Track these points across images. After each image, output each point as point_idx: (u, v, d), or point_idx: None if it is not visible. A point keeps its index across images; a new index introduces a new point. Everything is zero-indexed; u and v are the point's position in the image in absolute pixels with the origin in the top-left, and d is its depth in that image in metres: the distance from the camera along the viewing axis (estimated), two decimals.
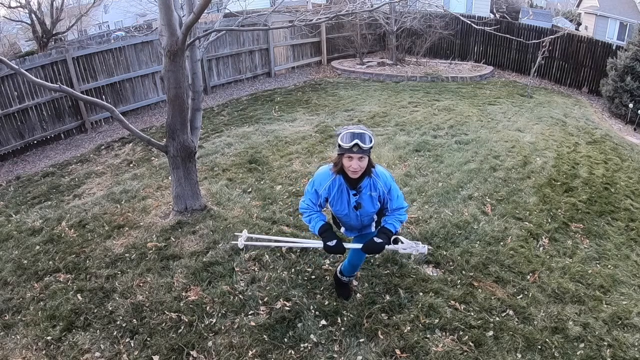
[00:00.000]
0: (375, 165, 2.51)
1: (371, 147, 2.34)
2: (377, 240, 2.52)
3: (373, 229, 2.80)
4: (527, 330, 2.87)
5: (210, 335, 2.84)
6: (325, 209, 2.76)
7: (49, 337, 2.85)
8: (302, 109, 8.10)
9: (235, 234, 2.91)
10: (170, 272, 3.43)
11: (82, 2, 17.74)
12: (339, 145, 2.34)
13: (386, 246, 2.55)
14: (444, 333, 2.84)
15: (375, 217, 2.73)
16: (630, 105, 8.80)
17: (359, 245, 2.63)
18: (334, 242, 2.53)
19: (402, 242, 2.61)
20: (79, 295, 3.23)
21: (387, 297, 3.12)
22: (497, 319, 2.97)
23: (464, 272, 3.44)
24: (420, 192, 4.70)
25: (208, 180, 5.07)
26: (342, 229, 2.90)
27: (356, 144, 2.28)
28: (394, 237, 2.58)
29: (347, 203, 2.56)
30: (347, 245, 2.64)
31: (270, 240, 3.15)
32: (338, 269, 3.11)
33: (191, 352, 2.70)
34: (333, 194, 2.55)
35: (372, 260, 3.53)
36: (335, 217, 2.81)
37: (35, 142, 7.00)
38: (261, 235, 3.14)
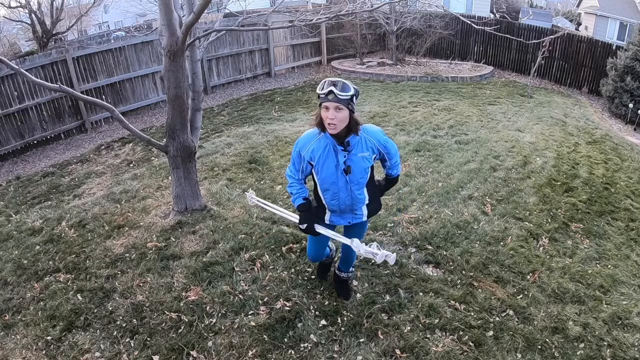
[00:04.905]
0: (362, 123, 2.36)
1: (351, 99, 2.18)
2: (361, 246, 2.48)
3: (365, 217, 2.59)
4: (527, 330, 2.87)
5: (210, 335, 2.84)
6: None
7: (49, 337, 2.85)
8: (302, 109, 8.10)
9: (246, 192, 2.96)
10: (170, 272, 3.43)
11: (82, 2, 17.73)
12: (318, 96, 2.23)
13: (361, 249, 2.42)
14: (444, 333, 2.84)
15: (366, 195, 2.51)
16: (630, 105, 8.81)
17: (330, 233, 2.55)
18: (304, 226, 2.53)
19: (362, 251, 2.45)
20: (79, 295, 3.23)
21: (387, 297, 3.12)
22: (497, 319, 2.97)
23: (464, 272, 3.44)
24: (420, 192, 4.70)
25: (208, 180, 5.07)
26: (328, 216, 2.59)
27: (331, 92, 2.14)
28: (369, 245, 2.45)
29: (335, 167, 2.36)
30: (320, 229, 2.54)
31: (274, 209, 3.08)
32: (336, 265, 3.12)
33: (191, 352, 2.70)
34: (318, 155, 2.36)
35: (372, 260, 3.52)
36: (322, 197, 2.52)
37: (35, 142, 7.00)
38: (269, 204, 3.12)
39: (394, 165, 2.58)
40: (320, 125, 2.32)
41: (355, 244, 2.43)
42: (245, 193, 2.92)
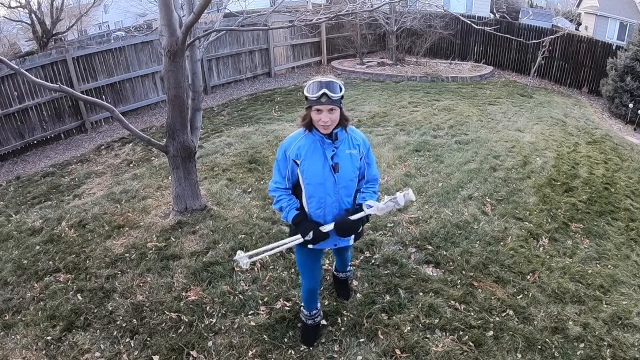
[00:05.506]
0: (350, 118, 2.30)
1: (342, 97, 2.13)
2: (351, 217, 2.25)
3: (352, 239, 2.48)
4: (527, 330, 2.87)
5: (210, 335, 2.84)
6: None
7: (49, 337, 2.85)
8: (302, 109, 8.05)
9: (234, 258, 2.49)
10: (170, 272, 3.43)
11: (82, 2, 17.73)
12: (306, 98, 2.13)
13: (379, 207, 2.21)
14: (444, 333, 2.84)
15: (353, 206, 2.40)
16: (630, 105, 8.81)
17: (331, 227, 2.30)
18: (310, 234, 2.26)
19: (380, 205, 2.21)
20: (79, 295, 3.23)
21: (387, 297, 3.12)
22: (497, 319, 2.97)
23: (464, 272, 3.44)
24: (420, 192, 4.70)
25: (208, 180, 5.07)
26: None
27: (324, 94, 2.07)
28: (367, 204, 2.28)
29: (323, 165, 2.22)
30: (325, 228, 2.30)
31: (267, 250, 2.61)
32: (333, 266, 3.12)
33: (191, 352, 2.70)
34: (305, 151, 2.23)
35: (372, 260, 3.53)
36: (305, 208, 2.34)
37: (35, 142, 7.01)
38: (259, 250, 2.62)
39: (367, 187, 2.38)
40: (309, 126, 2.23)
41: (373, 206, 2.22)
42: (234, 258, 2.49)
